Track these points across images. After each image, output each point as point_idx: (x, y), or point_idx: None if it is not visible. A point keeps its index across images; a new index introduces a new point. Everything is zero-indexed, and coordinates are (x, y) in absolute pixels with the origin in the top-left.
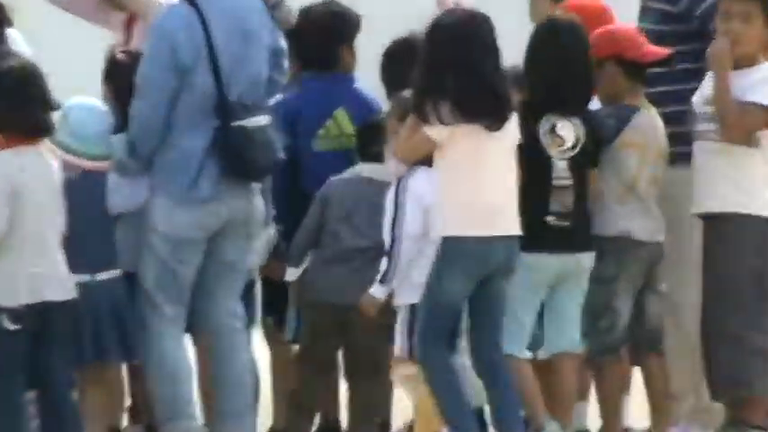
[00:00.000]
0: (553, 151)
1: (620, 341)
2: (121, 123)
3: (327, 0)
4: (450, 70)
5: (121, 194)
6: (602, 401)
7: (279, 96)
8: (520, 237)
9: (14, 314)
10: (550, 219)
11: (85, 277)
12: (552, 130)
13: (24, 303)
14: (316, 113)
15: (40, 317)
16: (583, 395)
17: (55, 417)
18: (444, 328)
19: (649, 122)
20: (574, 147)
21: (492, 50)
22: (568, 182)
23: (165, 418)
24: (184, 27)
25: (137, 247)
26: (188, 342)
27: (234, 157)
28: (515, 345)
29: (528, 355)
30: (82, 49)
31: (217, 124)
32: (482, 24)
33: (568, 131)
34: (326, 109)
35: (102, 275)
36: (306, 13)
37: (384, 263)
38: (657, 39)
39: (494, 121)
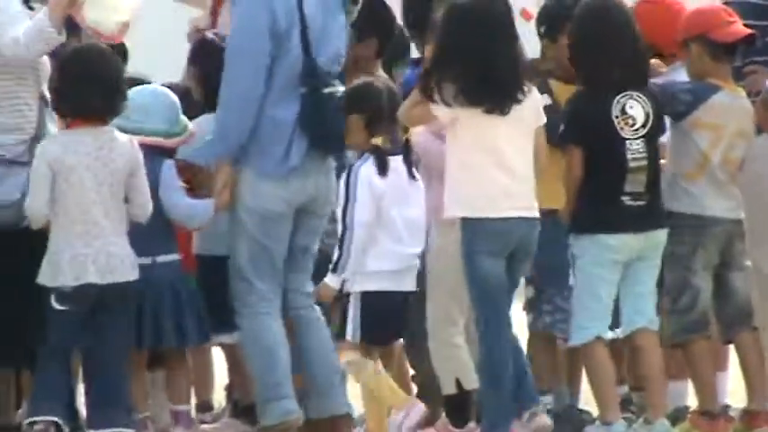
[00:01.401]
0: (627, 132)
1: (703, 318)
2: (205, 105)
3: None
4: (456, 54)
5: None
6: (695, 380)
7: None
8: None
9: (61, 294)
10: (626, 199)
11: (147, 260)
12: (623, 111)
13: (69, 285)
14: None
15: (88, 298)
16: (679, 374)
17: (102, 397)
18: (498, 305)
19: (729, 102)
20: (645, 124)
21: (504, 37)
22: (644, 162)
23: (263, 398)
24: None
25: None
26: None
27: (320, 126)
28: (598, 324)
29: (611, 335)
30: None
31: (304, 91)
32: (498, 9)
33: (638, 110)
34: None
35: (162, 258)
36: None
37: (336, 251)
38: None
39: (494, 105)
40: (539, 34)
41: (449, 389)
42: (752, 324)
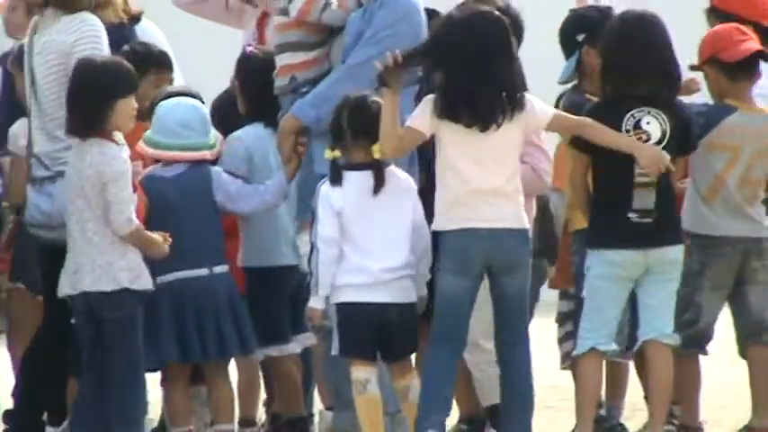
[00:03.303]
0: None
1: (703, 336)
2: (248, 117)
3: None
4: (441, 66)
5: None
6: (680, 394)
7: None
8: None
9: (71, 305)
10: (632, 216)
11: (203, 272)
12: (637, 125)
13: (67, 294)
14: None
15: (88, 307)
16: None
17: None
18: (444, 326)
19: (745, 123)
20: (660, 142)
21: (492, 54)
22: (653, 178)
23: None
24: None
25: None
26: None
27: None
28: (595, 336)
29: (613, 347)
30: (213, 51)
31: None
32: (490, 26)
33: (654, 126)
34: None
35: (219, 269)
36: None
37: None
38: None
39: (472, 122)
40: (572, 43)
41: (495, 399)
42: (765, 340)
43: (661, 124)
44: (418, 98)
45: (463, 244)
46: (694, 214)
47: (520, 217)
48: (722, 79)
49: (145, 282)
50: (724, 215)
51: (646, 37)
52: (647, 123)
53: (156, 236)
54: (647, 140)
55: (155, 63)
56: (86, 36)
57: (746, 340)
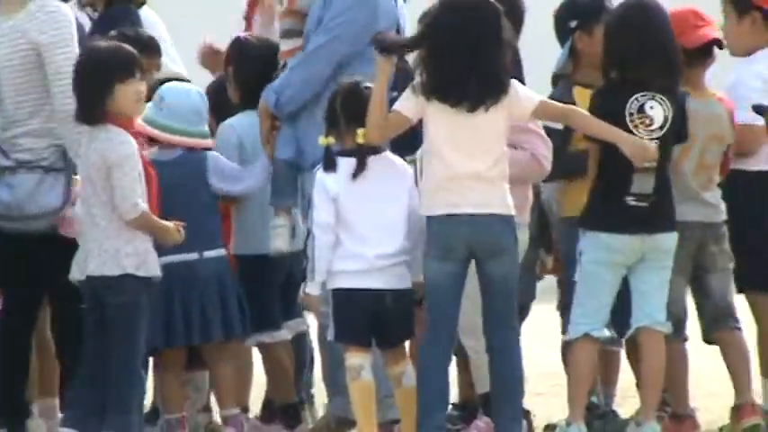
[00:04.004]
0: (641, 131)
1: (676, 320)
2: (240, 105)
3: None
4: (430, 48)
5: None
6: (669, 382)
7: None
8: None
9: (81, 291)
10: (630, 199)
11: (193, 256)
12: (641, 109)
13: (77, 280)
14: None
15: (93, 291)
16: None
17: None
18: (433, 313)
19: (698, 109)
20: (662, 127)
21: (484, 38)
22: (653, 164)
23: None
24: None
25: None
26: None
27: None
28: (589, 321)
29: (606, 333)
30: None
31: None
32: (482, 12)
33: (657, 111)
34: None
35: (210, 254)
36: None
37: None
38: None
39: (461, 100)
40: (565, 30)
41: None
42: (731, 324)
43: (664, 110)
44: (394, 88)
45: (446, 229)
46: None
47: (504, 203)
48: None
49: (151, 268)
50: (681, 202)
51: (646, 21)
52: (651, 108)
53: (168, 223)
54: (649, 125)
55: (144, 48)
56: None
57: (713, 326)
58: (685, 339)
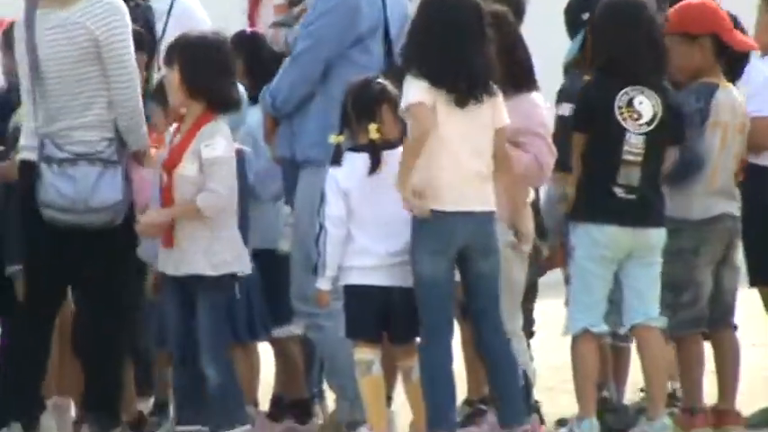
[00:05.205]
0: (629, 125)
1: (703, 315)
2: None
3: None
4: (423, 44)
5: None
6: (684, 376)
7: None
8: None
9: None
10: (618, 190)
11: None
12: (630, 103)
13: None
14: None
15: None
16: None
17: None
18: (428, 314)
19: (729, 99)
20: (650, 122)
21: (469, 35)
22: (638, 158)
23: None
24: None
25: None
26: None
27: None
28: (587, 316)
29: (604, 328)
30: None
31: None
32: (465, 10)
33: (646, 107)
34: None
35: None
36: None
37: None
38: None
39: (456, 92)
40: (577, 22)
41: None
42: (729, 322)
43: (653, 106)
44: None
45: (445, 225)
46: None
47: (490, 200)
48: (710, 55)
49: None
50: (718, 194)
51: (631, 16)
52: (640, 103)
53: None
54: (637, 119)
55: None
56: (119, 27)
57: (712, 323)
58: (706, 336)
